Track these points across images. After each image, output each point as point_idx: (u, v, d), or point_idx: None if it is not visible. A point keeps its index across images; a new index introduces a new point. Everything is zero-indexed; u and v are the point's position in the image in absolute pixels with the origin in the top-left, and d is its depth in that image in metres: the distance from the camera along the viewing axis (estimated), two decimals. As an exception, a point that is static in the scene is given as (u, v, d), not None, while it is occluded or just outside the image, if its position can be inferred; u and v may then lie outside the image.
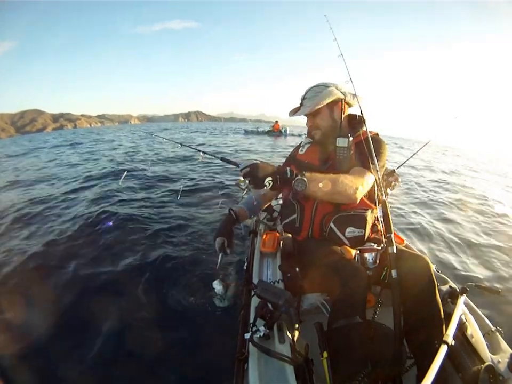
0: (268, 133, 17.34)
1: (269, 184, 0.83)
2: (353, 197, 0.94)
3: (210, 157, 1.23)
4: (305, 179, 0.84)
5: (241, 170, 0.86)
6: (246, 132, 19.08)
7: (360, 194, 0.97)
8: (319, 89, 1.14)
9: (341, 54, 1.23)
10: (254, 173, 0.83)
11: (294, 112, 1.20)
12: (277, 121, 17.81)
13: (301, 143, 1.35)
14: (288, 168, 0.87)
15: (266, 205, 1.45)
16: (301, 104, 1.19)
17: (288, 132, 16.69)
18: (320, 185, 0.89)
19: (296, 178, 0.84)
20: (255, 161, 0.86)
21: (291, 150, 1.39)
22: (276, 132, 16.95)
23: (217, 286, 1.45)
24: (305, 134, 1.30)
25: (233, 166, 0.96)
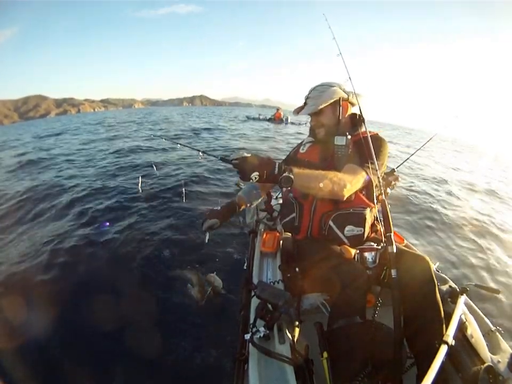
0: (269, 120, 17.48)
1: (255, 178, 0.84)
2: (340, 194, 0.94)
3: (210, 156, 1.23)
4: (291, 176, 0.85)
5: (231, 161, 0.87)
6: (249, 118, 19.27)
7: (348, 191, 0.96)
8: (323, 89, 1.15)
9: (340, 53, 1.24)
10: (241, 166, 0.84)
11: (298, 111, 1.22)
12: (278, 110, 17.88)
13: (302, 141, 1.36)
14: (277, 164, 0.87)
15: (265, 193, 1.46)
16: (305, 103, 1.20)
17: (289, 120, 16.78)
18: (306, 182, 0.90)
19: (283, 175, 0.85)
20: (245, 155, 0.86)
21: (289, 136, 1.40)
22: (277, 120, 17.06)
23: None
24: (305, 123, 1.31)
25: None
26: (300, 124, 15.20)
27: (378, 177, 1.02)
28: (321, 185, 0.89)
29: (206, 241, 1.22)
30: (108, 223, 2.91)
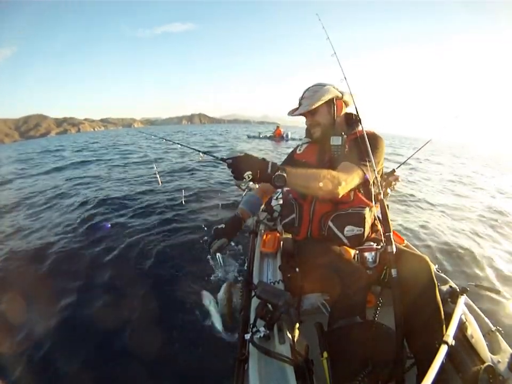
0: (269, 137, 17.28)
1: (248, 177, 0.83)
2: (335, 192, 0.93)
3: (211, 157, 1.23)
4: (284, 175, 0.84)
5: (225, 160, 0.86)
6: (249, 138, 19.01)
7: (343, 189, 0.95)
8: (316, 89, 1.15)
9: (334, 53, 1.24)
10: (235, 165, 0.84)
11: (293, 112, 1.21)
12: (278, 126, 17.66)
13: (299, 144, 1.36)
14: (270, 164, 0.86)
15: (266, 200, 1.45)
16: (300, 104, 1.20)
17: (289, 136, 16.48)
18: (300, 180, 0.89)
19: (276, 174, 0.84)
20: (239, 154, 0.86)
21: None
22: (277, 137, 16.84)
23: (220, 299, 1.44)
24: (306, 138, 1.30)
25: None
26: (300, 139, 14.78)
27: (375, 175, 1.01)
28: (315, 183, 0.89)
29: (221, 263, 1.18)
30: (109, 225, 2.93)
